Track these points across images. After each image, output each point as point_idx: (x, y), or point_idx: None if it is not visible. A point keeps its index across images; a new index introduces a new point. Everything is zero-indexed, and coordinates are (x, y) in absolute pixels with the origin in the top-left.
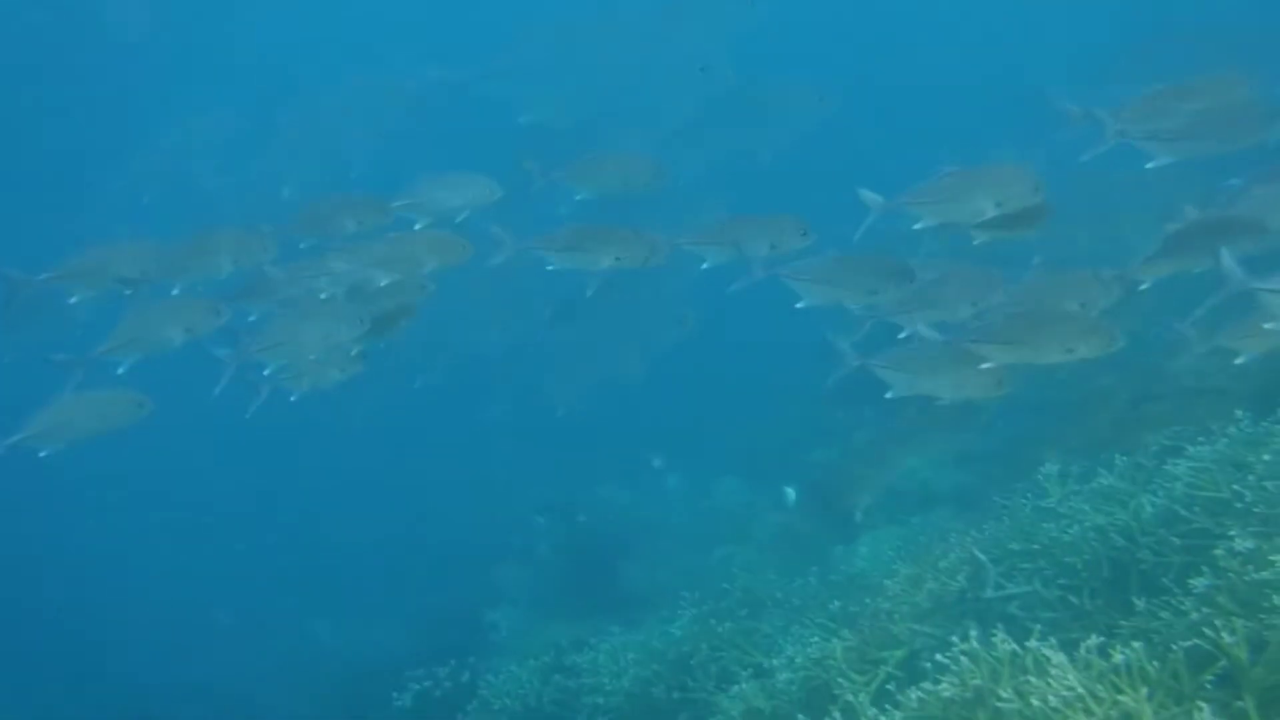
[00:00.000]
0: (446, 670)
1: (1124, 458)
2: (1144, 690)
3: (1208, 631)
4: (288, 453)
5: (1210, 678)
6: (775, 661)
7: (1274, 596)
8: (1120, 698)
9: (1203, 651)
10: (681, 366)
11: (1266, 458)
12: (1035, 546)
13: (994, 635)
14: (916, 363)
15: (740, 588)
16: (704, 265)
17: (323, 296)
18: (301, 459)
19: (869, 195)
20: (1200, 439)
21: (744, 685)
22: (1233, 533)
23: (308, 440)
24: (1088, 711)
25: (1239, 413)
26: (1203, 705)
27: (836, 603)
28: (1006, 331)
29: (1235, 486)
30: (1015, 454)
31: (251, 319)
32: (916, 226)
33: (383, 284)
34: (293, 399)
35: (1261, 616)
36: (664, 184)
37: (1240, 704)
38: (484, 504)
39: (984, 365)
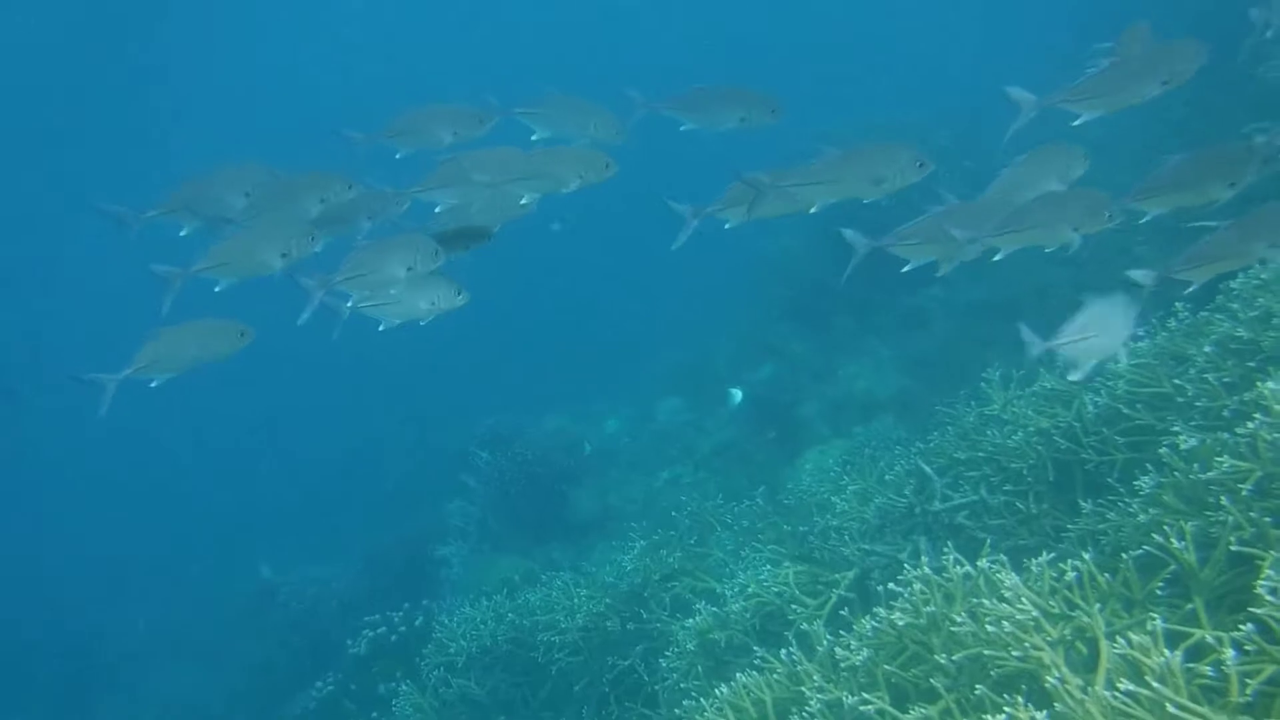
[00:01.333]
0: (400, 615)
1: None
2: (1096, 606)
3: (1156, 536)
4: (228, 394)
5: (1160, 583)
6: (728, 590)
7: (1221, 496)
8: (1073, 614)
9: (1153, 557)
10: (615, 289)
11: (1207, 349)
12: (980, 454)
13: (945, 554)
14: (1098, 326)
15: (688, 514)
16: (812, 209)
17: (437, 209)
18: (243, 401)
19: (1019, 93)
20: (1141, 332)
21: (697, 618)
22: (1176, 428)
23: (249, 382)
24: (1041, 630)
25: (1178, 304)
26: (1154, 615)
27: (786, 526)
28: (1216, 250)
29: (1176, 381)
30: (955, 356)
31: (317, 250)
32: (1075, 124)
33: (523, 203)
34: (380, 329)
35: (1208, 514)
36: (780, 120)
37: (1190, 606)
38: (429, 439)
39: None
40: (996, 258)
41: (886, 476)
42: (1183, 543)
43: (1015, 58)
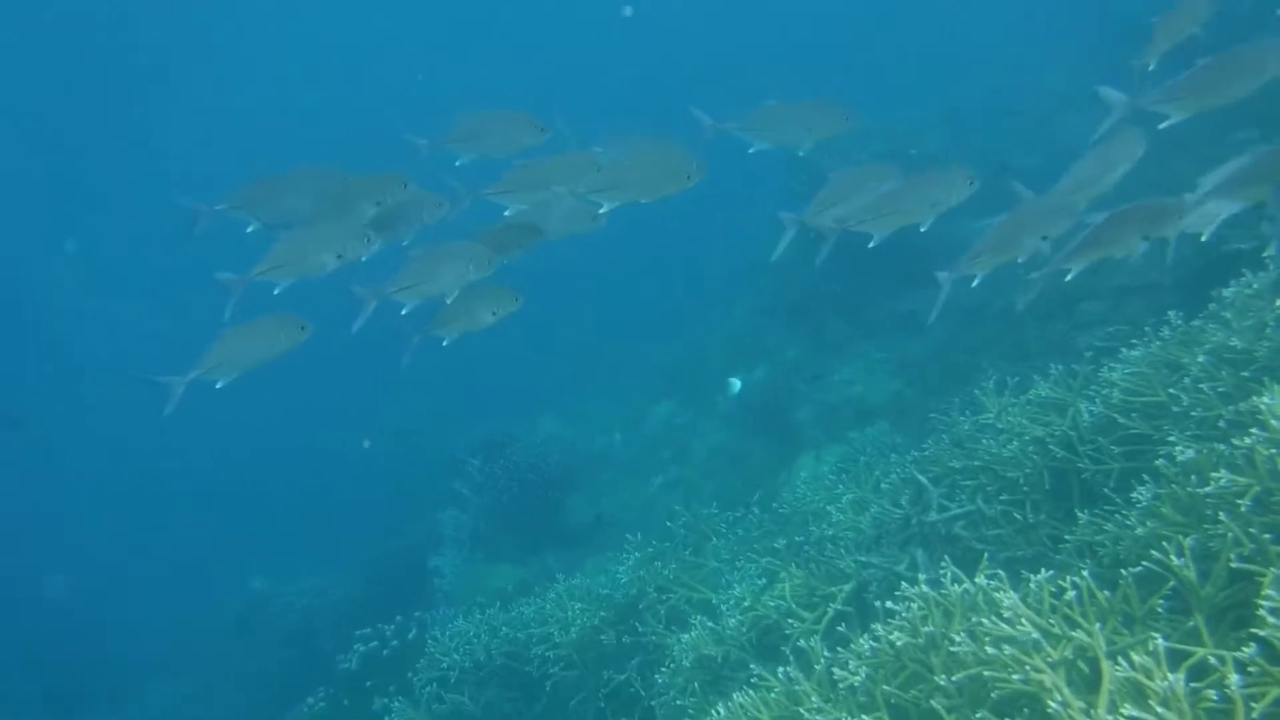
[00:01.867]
0: (393, 628)
1: (1059, 366)
2: (1096, 625)
3: (1155, 553)
4: (213, 404)
5: (1161, 600)
6: (724, 605)
7: (1220, 511)
8: (1074, 634)
9: (1152, 572)
10: (605, 297)
11: (1201, 359)
12: (976, 463)
13: (943, 569)
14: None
15: (683, 524)
16: (870, 244)
17: (507, 213)
18: (229, 412)
19: (1109, 92)
20: (1133, 340)
21: (693, 633)
22: (1172, 438)
23: (232, 392)
24: (1041, 651)
25: (1171, 313)
26: (1156, 634)
27: (781, 540)
28: None
29: (1171, 390)
30: (949, 360)
31: (364, 260)
32: (1163, 126)
33: (603, 210)
34: (445, 344)
35: (1207, 527)
36: (854, 127)
37: (1192, 623)
38: (421, 447)
39: None
40: (1069, 277)
41: (882, 485)
42: (1182, 559)
43: (1010, 54)
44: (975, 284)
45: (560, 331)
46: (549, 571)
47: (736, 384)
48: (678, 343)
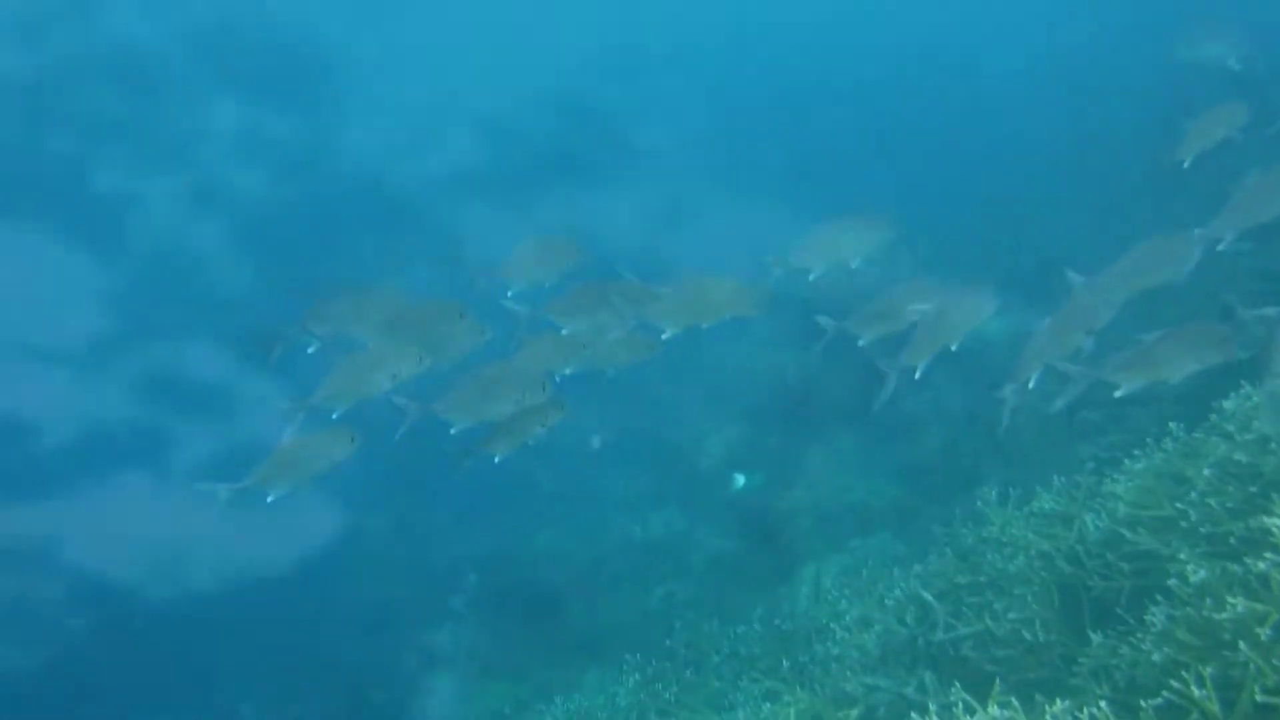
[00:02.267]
0: None
1: (1062, 478)
2: None
3: (1175, 684)
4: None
5: None
6: None
7: (1239, 641)
8: None
9: (1173, 703)
10: (603, 400)
11: (1206, 472)
12: (981, 579)
13: (954, 699)
14: None
15: (683, 643)
16: (917, 375)
17: (564, 331)
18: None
19: (1200, 235)
20: (1136, 452)
21: None
22: (1182, 555)
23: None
24: None
25: (1172, 424)
26: None
27: (784, 660)
28: None
29: (1178, 504)
30: (951, 467)
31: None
32: (1221, 247)
33: (665, 336)
34: (496, 460)
35: (1226, 653)
36: (898, 239)
37: None
38: (416, 562)
39: None
40: (1119, 394)
41: (886, 601)
42: (1203, 690)
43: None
44: (1031, 385)
45: (556, 440)
46: (547, 689)
47: (740, 479)
48: (675, 451)
